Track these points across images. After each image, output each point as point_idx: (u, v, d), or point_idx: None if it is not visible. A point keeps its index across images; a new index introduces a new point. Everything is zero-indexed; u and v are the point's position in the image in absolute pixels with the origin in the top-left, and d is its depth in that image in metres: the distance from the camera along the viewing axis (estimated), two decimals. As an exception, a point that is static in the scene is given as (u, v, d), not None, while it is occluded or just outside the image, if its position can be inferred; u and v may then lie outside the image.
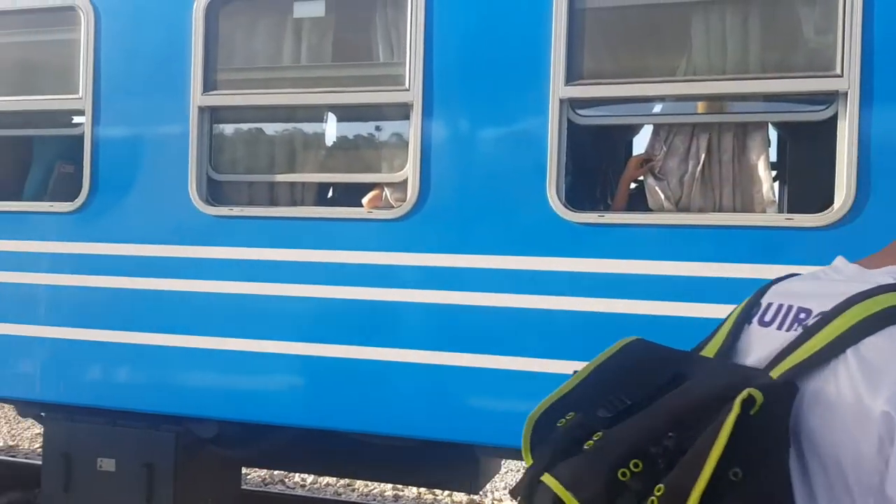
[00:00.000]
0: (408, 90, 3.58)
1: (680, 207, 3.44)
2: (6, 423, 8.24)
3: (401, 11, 3.64)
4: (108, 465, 4.00)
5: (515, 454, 4.49)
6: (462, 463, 4.32)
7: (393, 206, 3.71)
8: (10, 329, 4.11)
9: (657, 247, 3.32)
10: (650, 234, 3.33)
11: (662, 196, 3.44)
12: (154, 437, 3.94)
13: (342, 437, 3.96)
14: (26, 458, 6.71)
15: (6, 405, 7.39)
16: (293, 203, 4.01)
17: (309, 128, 4.17)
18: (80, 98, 3.99)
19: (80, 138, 4.02)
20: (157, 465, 3.95)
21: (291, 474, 6.55)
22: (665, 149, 3.49)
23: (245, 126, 4.14)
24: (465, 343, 3.57)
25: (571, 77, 3.38)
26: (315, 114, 4.05)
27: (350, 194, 4.04)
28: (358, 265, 3.69)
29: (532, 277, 3.46)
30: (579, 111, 3.45)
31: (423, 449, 3.82)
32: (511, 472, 6.93)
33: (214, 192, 3.90)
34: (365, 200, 3.80)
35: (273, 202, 4.02)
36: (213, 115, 3.89)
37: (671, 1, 3.57)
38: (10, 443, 7.64)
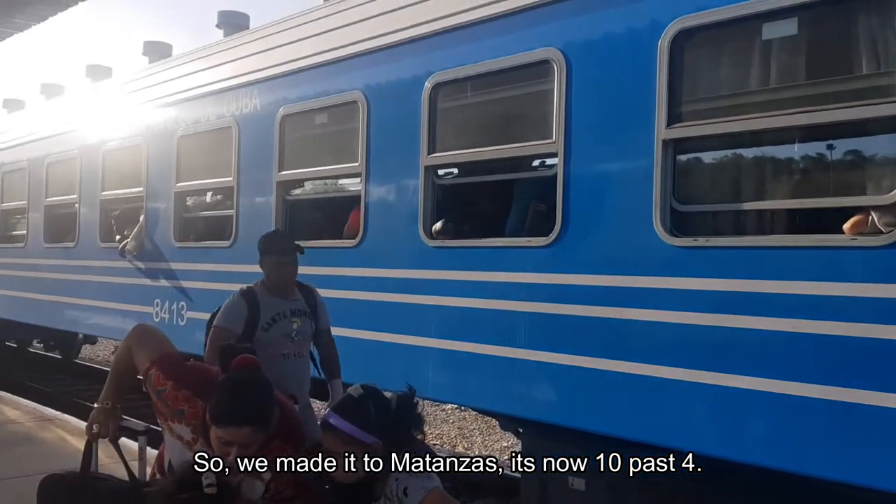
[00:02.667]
0: (901, 101, 3.18)
1: None
2: (479, 434, 9.32)
3: (889, 15, 3.26)
4: (578, 483, 4.23)
5: None
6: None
7: (882, 232, 3.30)
8: (495, 350, 4.63)
9: None
10: None
11: None
12: (618, 462, 4.04)
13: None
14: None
15: (487, 418, 8.37)
16: (762, 232, 3.82)
17: (778, 152, 3.95)
18: (553, 142, 4.36)
19: (552, 179, 4.39)
20: (623, 489, 4.05)
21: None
22: None
23: (709, 155, 4.10)
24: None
25: None
26: (785, 136, 3.82)
27: (821, 220, 3.70)
28: (840, 297, 3.36)
29: None
30: None
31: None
32: None
33: (678, 223, 3.91)
34: (847, 226, 3.45)
35: (739, 231, 3.88)
36: (677, 147, 3.92)
37: None
38: (484, 452, 8.61)
